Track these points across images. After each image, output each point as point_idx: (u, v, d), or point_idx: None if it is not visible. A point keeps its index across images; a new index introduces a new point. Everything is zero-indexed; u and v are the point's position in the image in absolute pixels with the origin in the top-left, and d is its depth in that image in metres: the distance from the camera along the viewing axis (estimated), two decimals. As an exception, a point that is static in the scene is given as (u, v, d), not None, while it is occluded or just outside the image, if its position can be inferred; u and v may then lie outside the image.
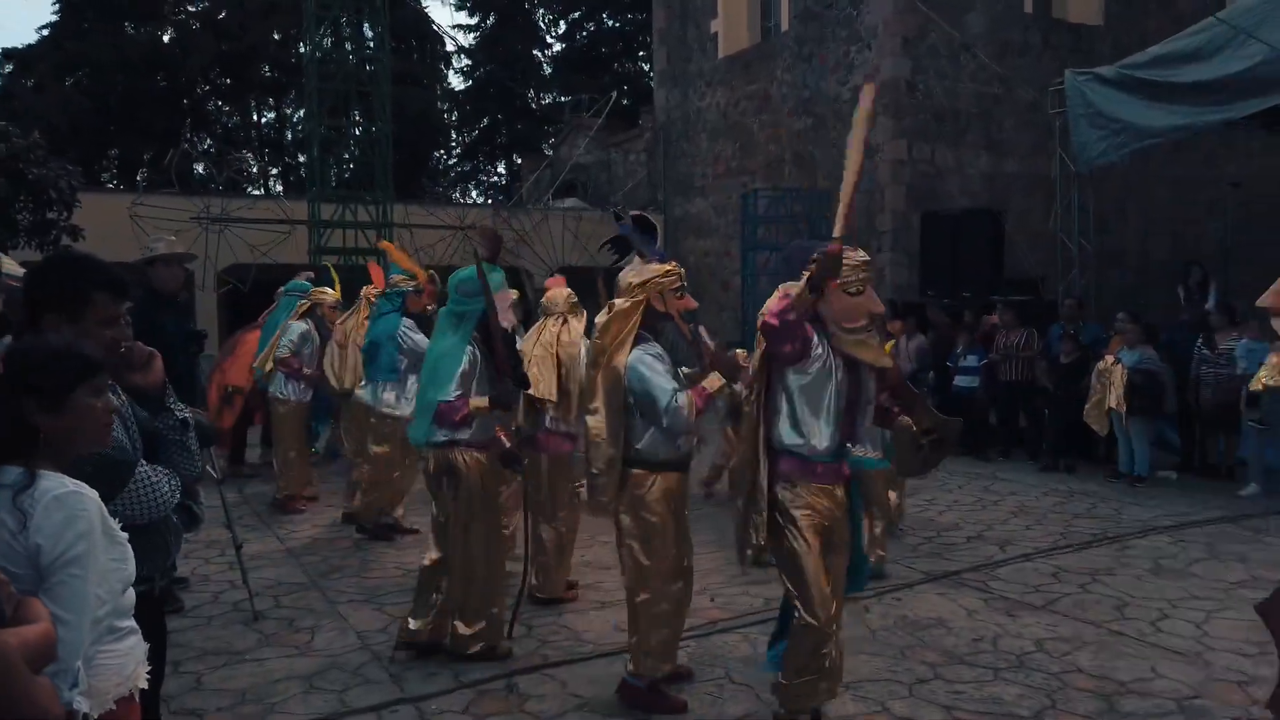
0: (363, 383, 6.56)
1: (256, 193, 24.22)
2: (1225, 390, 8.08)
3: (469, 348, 4.15)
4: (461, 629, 4.19)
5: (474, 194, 34.13)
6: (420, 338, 6.10)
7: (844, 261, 3.14)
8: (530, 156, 25.12)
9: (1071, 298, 10.35)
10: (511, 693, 3.98)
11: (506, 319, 4.35)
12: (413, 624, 4.29)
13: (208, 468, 4.06)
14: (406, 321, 6.30)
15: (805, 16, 14.61)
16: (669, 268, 3.71)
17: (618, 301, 3.67)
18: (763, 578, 4.87)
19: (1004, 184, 13.59)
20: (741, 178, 15.78)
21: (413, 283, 6.37)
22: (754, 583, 5.17)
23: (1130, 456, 8.40)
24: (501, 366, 4.12)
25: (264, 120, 31.54)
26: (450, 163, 34.38)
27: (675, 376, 3.63)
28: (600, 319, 3.74)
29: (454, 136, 33.86)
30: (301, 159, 26.61)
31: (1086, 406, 8.53)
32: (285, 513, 7.31)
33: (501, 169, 34.58)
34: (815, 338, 3.19)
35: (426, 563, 4.34)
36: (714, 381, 3.68)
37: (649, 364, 3.56)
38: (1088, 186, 11.45)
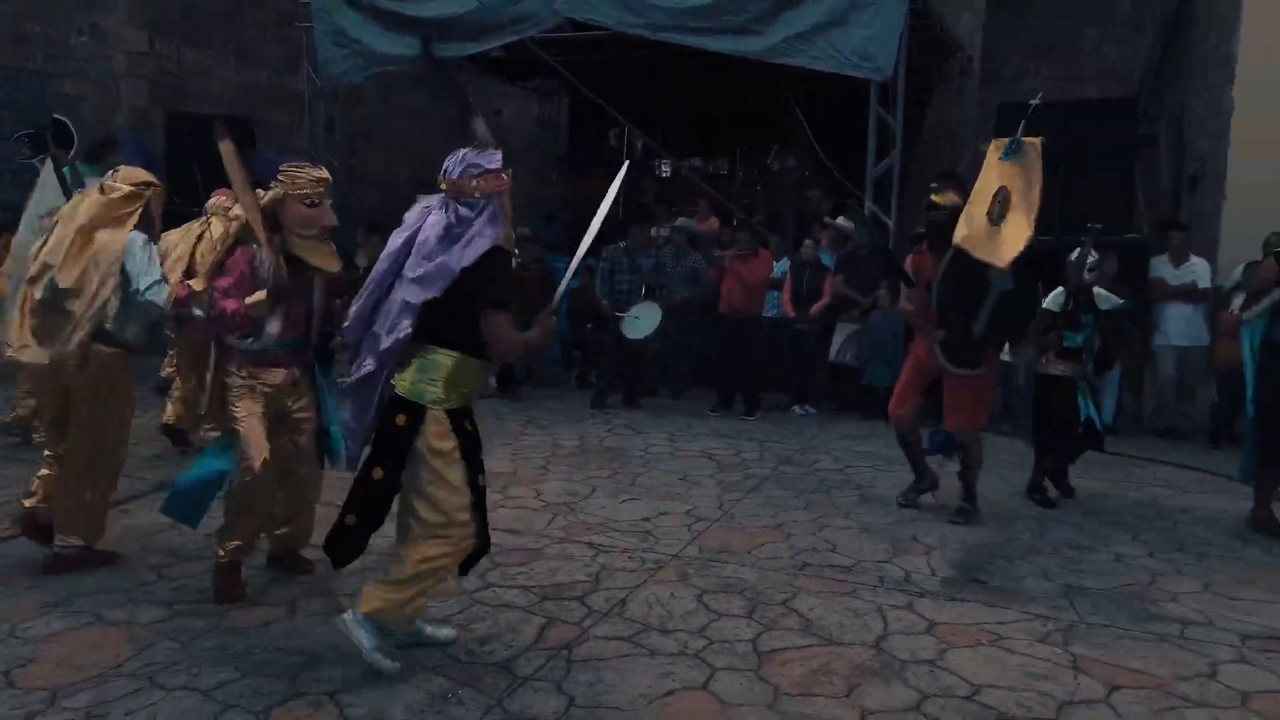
0: None
1: None
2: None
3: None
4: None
5: None
6: None
7: (304, 176, 3.65)
8: None
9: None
10: None
11: None
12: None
13: None
14: None
15: None
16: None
17: (121, 186, 3.93)
18: None
19: (254, 94, 13.31)
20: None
21: None
22: None
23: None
24: None
25: None
26: None
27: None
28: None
29: None
30: None
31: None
32: None
33: None
34: (256, 259, 3.66)
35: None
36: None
37: (142, 247, 3.88)
38: (336, 106, 11.87)
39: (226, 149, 3.66)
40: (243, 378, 3.75)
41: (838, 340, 8.23)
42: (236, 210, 3.87)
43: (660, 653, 3.40)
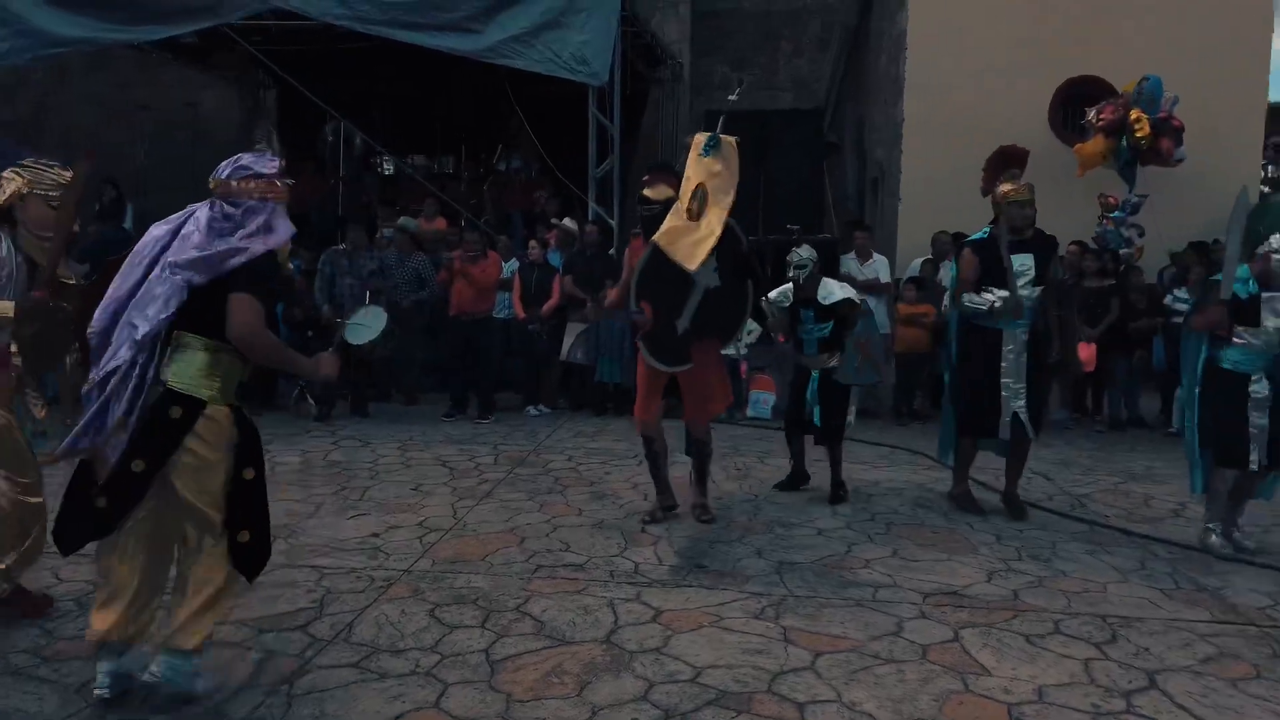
0: None
1: None
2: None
3: None
4: None
5: None
6: None
7: (52, 176, 3.54)
8: None
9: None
10: None
11: None
12: None
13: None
14: None
15: None
16: None
17: None
18: None
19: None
20: None
21: None
22: None
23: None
24: None
25: None
26: None
27: None
28: None
29: None
30: None
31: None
32: None
33: None
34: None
35: None
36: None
37: None
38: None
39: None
40: None
41: (568, 340, 8.37)
42: None
43: (390, 675, 3.29)
